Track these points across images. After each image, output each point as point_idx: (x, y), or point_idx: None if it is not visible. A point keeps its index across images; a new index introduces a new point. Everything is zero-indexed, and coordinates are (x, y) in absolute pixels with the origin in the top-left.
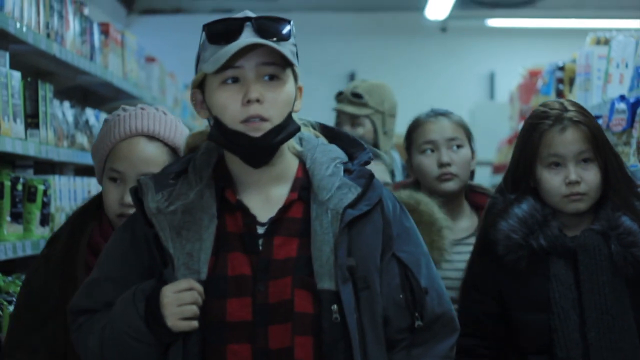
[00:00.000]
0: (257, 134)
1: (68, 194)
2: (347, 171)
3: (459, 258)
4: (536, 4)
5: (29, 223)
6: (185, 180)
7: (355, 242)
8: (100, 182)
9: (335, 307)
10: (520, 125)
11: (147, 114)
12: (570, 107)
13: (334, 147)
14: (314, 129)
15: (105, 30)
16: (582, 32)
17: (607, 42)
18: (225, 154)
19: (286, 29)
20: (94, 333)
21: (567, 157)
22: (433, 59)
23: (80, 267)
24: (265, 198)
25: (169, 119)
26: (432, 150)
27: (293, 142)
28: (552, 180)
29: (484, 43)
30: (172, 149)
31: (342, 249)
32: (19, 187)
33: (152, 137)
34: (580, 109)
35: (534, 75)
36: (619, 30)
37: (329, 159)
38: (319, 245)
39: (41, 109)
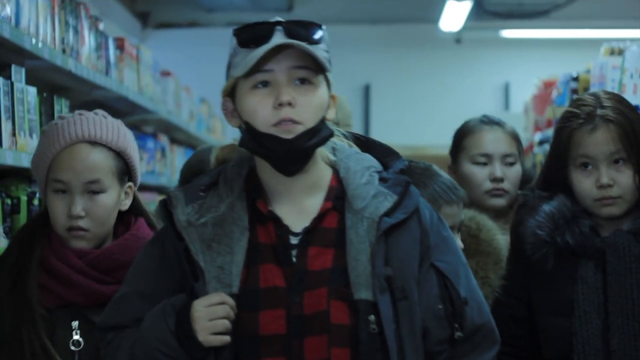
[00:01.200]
0: (289, 136)
1: None
2: (382, 180)
3: None
4: (550, 14)
5: None
6: (215, 193)
7: (392, 251)
8: (43, 197)
9: (372, 317)
10: (535, 136)
11: (87, 119)
12: (605, 102)
13: (367, 156)
14: (347, 138)
15: (120, 45)
16: (596, 43)
17: (621, 52)
18: (257, 164)
19: (318, 34)
20: (123, 350)
21: (598, 158)
22: (448, 70)
23: (32, 289)
24: (299, 208)
25: (109, 122)
26: (485, 163)
27: (326, 152)
28: (583, 183)
29: (499, 54)
30: (117, 153)
31: (379, 258)
32: (35, 202)
33: (94, 143)
34: (617, 103)
35: (548, 85)
36: (632, 40)
37: (363, 168)
38: (355, 255)
39: None
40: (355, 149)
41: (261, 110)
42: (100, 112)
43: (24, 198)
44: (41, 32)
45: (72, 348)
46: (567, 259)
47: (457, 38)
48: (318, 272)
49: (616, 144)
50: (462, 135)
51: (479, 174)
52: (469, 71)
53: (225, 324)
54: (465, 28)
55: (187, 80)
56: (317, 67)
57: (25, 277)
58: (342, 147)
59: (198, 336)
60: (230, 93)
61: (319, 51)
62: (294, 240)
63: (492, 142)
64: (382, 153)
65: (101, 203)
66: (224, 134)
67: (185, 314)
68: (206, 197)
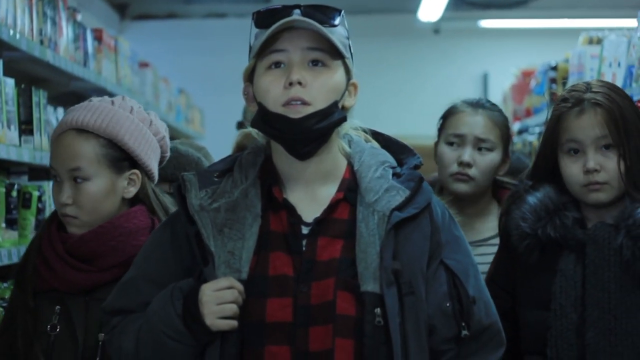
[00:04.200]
0: (297, 116)
1: None
2: (395, 175)
3: (483, 260)
4: (529, 4)
5: (24, 229)
6: (230, 179)
7: (402, 246)
8: None
9: (378, 310)
10: (514, 125)
11: (83, 106)
12: (595, 88)
13: (383, 151)
14: (366, 133)
15: (98, 36)
16: (575, 32)
17: (599, 41)
18: (272, 150)
19: (336, 19)
20: (129, 333)
21: (585, 142)
22: (426, 61)
23: (27, 272)
24: (312, 196)
25: (104, 108)
26: (458, 145)
27: (342, 143)
28: (571, 168)
29: (477, 44)
30: (108, 140)
31: (388, 252)
32: (14, 193)
33: (80, 130)
34: (609, 90)
35: (527, 75)
36: (611, 29)
37: (377, 162)
38: (364, 247)
39: (35, 115)
40: (372, 143)
41: (273, 89)
42: (113, 99)
43: (2, 189)
44: (19, 24)
45: (49, 332)
46: (551, 252)
47: (435, 28)
48: (326, 262)
49: (603, 128)
50: (446, 115)
51: (448, 155)
52: (448, 61)
53: (233, 308)
54: (443, 18)
55: (165, 72)
56: (333, 51)
57: (26, 260)
58: (358, 140)
59: (205, 320)
60: (250, 78)
61: (336, 35)
62: (304, 230)
63: (468, 124)
64: (398, 150)
65: (85, 191)
66: (202, 125)
67: (193, 298)
68: (220, 183)
